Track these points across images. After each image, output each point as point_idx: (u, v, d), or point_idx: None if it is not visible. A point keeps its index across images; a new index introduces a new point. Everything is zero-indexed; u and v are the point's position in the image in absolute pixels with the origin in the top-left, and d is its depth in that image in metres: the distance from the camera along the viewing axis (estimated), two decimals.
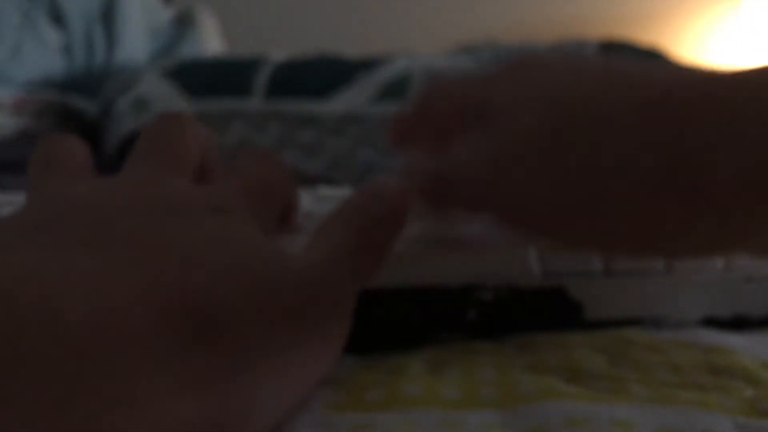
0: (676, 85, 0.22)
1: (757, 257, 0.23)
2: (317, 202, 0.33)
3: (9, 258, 0.15)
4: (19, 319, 0.13)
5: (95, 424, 0.14)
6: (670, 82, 0.22)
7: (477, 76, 0.28)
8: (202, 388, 0.16)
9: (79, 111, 0.81)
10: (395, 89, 0.69)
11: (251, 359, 0.18)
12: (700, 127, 0.20)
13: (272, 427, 0.20)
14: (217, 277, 0.18)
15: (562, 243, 0.26)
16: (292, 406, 0.20)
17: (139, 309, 0.15)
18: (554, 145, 0.23)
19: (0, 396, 0.12)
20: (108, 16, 0.94)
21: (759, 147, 0.19)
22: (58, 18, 0.88)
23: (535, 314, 0.28)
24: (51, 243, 0.17)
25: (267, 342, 0.18)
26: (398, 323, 0.28)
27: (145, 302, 0.16)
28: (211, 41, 1.15)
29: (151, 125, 0.24)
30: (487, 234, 0.29)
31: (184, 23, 1.10)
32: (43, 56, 0.85)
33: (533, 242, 0.28)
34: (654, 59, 0.72)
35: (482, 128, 0.26)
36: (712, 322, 0.29)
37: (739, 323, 0.29)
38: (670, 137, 0.21)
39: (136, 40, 0.98)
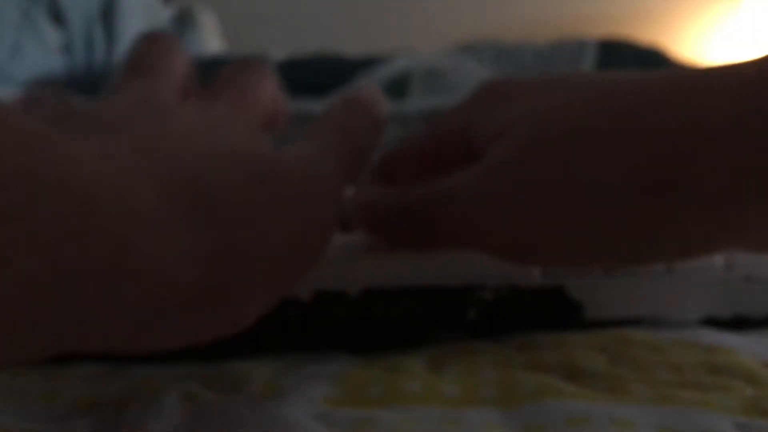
0: (653, 87, 0.21)
1: (757, 251, 0.23)
2: None
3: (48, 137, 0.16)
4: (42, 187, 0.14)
5: (98, 281, 0.15)
6: (647, 84, 0.22)
7: (450, 110, 0.28)
8: (199, 256, 0.17)
9: None
10: (395, 88, 0.69)
11: (244, 233, 0.19)
12: (684, 128, 0.20)
13: (258, 308, 0.20)
14: (213, 161, 0.19)
15: (560, 265, 0.25)
16: (281, 289, 0.21)
17: (142, 182, 0.17)
18: (539, 163, 0.22)
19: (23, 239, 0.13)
20: (108, 15, 0.94)
21: (742, 148, 0.19)
22: (57, 17, 0.88)
23: (535, 314, 0.28)
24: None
25: (258, 219, 0.19)
26: (398, 322, 0.28)
27: (150, 177, 0.17)
28: (210, 40, 1.15)
29: (137, 45, 0.25)
30: None
31: (183, 22, 1.10)
32: (43, 55, 0.85)
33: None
34: (654, 58, 0.72)
35: (461, 163, 0.25)
36: (712, 322, 0.29)
37: (739, 323, 0.29)
38: (651, 144, 0.20)
39: None
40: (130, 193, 0.16)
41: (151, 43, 0.25)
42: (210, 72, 0.26)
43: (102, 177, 0.15)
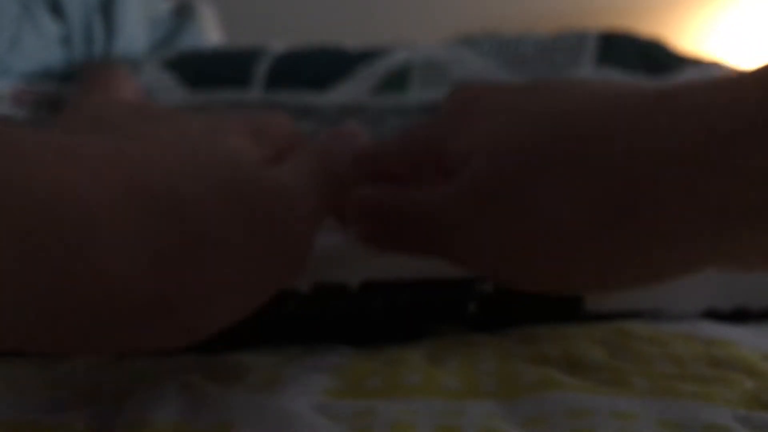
0: (622, 104, 0.21)
1: (727, 270, 0.23)
2: None
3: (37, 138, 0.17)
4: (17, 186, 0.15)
5: (51, 280, 0.15)
6: (612, 107, 0.21)
7: (425, 126, 0.28)
8: (157, 267, 0.17)
9: None
10: (395, 80, 0.69)
11: (206, 248, 0.19)
12: (643, 157, 0.19)
13: (216, 322, 0.20)
14: (184, 173, 0.19)
15: (519, 286, 0.24)
16: (244, 306, 0.21)
17: (105, 188, 0.17)
18: (503, 187, 0.22)
19: None
20: (107, 8, 0.94)
21: (701, 175, 0.18)
22: (57, 9, 0.88)
23: (535, 307, 0.28)
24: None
25: (223, 235, 0.19)
26: (398, 315, 0.28)
27: (115, 184, 0.17)
28: (210, 33, 1.15)
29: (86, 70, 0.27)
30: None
31: (183, 15, 1.10)
32: (42, 47, 0.85)
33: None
34: (655, 50, 0.72)
35: (443, 175, 0.25)
36: (713, 315, 0.29)
37: (739, 316, 0.29)
38: (610, 174, 0.20)
39: (136, 31, 0.98)
40: (90, 199, 0.16)
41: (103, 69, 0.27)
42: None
43: (64, 180, 0.16)
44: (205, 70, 0.74)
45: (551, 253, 0.21)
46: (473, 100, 0.26)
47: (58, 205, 0.15)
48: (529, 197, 0.21)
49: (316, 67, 0.70)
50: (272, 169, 0.23)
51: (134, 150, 0.19)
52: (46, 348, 0.17)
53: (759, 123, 0.17)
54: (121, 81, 0.26)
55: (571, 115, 0.22)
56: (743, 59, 1.78)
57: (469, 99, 0.26)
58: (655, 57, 0.70)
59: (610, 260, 0.21)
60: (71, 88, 0.70)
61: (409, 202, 0.25)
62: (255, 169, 0.22)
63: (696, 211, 0.19)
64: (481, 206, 0.23)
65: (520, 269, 0.23)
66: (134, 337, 0.18)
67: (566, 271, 0.22)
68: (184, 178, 0.19)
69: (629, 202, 0.20)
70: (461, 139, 0.25)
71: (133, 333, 0.18)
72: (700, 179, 0.18)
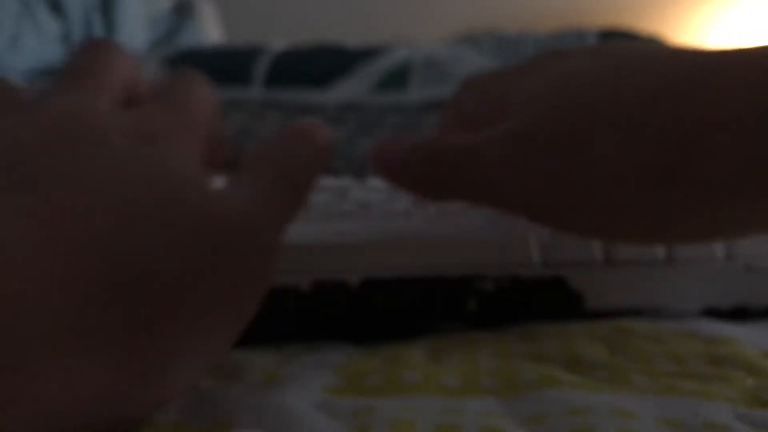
0: (676, 68, 0.22)
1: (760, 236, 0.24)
2: (316, 193, 0.33)
3: None
4: None
5: None
6: (670, 65, 0.22)
7: (500, 71, 0.28)
8: (115, 352, 0.16)
9: None
10: (395, 78, 0.68)
11: (170, 313, 0.17)
12: (700, 112, 0.20)
13: (186, 388, 0.19)
14: (135, 225, 0.17)
15: (564, 231, 0.26)
16: (209, 364, 0.20)
17: (43, 264, 0.15)
18: (556, 138, 0.23)
19: None
20: (107, 5, 0.94)
21: (760, 133, 0.19)
22: (57, 7, 0.88)
23: (535, 304, 0.28)
24: None
25: (187, 292, 0.18)
26: (398, 312, 0.28)
27: (54, 256, 0.15)
28: (210, 30, 1.15)
29: (78, 50, 0.23)
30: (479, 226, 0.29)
31: (183, 12, 1.10)
32: (42, 45, 0.85)
33: (536, 228, 0.28)
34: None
35: (499, 121, 0.25)
36: (713, 313, 0.29)
37: (739, 313, 0.29)
38: (663, 131, 0.21)
39: (135, 29, 0.98)
40: (22, 273, 0.14)
41: (89, 50, 0.23)
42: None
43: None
44: (204, 68, 0.74)
45: (600, 203, 0.22)
46: (547, 56, 0.27)
47: None
48: (583, 148, 0.22)
49: (316, 65, 0.70)
50: (232, 195, 0.21)
51: (83, 197, 0.17)
52: None
53: None
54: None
55: (640, 72, 0.22)
56: None
57: (541, 56, 0.27)
58: None
59: (657, 217, 0.22)
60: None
61: (455, 143, 0.26)
62: (216, 201, 0.20)
63: (742, 175, 0.19)
64: (541, 147, 0.23)
65: (567, 215, 0.23)
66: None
67: (613, 223, 0.23)
68: (141, 226, 0.17)
69: (675, 165, 0.20)
70: (528, 83, 0.25)
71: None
72: (745, 146, 0.19)
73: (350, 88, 0.68)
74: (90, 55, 0.23)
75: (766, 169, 0.19)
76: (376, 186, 0.35)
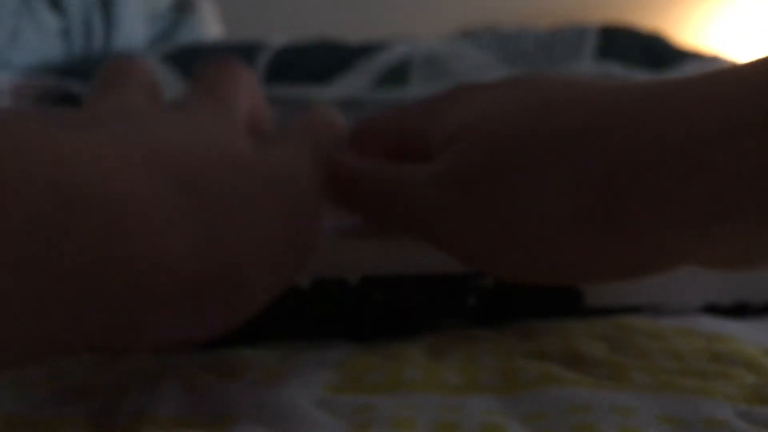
0: (603, 107, 0.21)
1: (714, 269, 0.22)
2: None
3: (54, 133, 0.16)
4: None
5: (94, 268, 0.15)
6: (600, 102, 0.21)
7: (416, 107, 0.28)
8: (196, 242, 0.18)
9: (78, 96, 0.81)
10: (395, 75, 0.68)
11: (235, 220, 0.19)
12: (628, 154, 0.19)
13: (258, 296, 0.20)
14: (201, 155, 0.19)
15: (500, 275, 0.24)
16: (280, 277, 0.21)
17: (134, 171, 0.17)
18: (480, 177, 0.22)
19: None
20: (106, 2, 0.94)
21: (684, 175, 0.18)
22: (56, 3, 0.88)
23: (535, 301, 0.28)
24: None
25: (246, 208, 0.20)
26: (398, 310, 0.28)
27: (142, 166, 0.17)
28: (210, 26, 1.15)
29: (105, 66, 0.25)
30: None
31: (183, 8, 1.10)
32: (42, 41, 0.85)
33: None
34: (655, 44, 0.72)
35: (420, 158, 0.25)
36: (713, 309, 0.29)
37: (740, 310, 0.29)
38: (594, 169, 0.20)
39: (135, 24, 0.98)
40: (122, 182, 0.16)
41: (120, 63, 0.25)
42: (206, 60, 0.26)
43: (96, 166, 0.16)
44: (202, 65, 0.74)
45: (535, 242, 0.21)
46: (465, 88, 0.26)
47: (94, 191, 0.15)
48: (516, 184, 0.21)
49: (316, 60, 0.70)
50: (275, 151, 0.23)
51: (156, 137, 0.19)
52: (98, 342, 0.17)
53: (759, 118, 0.17)
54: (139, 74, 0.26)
55: (567, 106, 0.22)
56: (744, 53, 1.78)
57: (462, 87, 0.26)
58: (656, 51, 0.70)
59: (598, 251, 0.20)
60: (90, 83, 0.70)
61: (393, 175, 0.25)
62: (263, 154, 0.22)
63: (692, 202, 0.18)
64: (464, 189, 0.22)
65: (500, 256, 0.22)
66: (185, 322, 0.18)
67: (550, 261, 0.21)
68: (207, 161, 0.19)
69: (625, 193, 0.19)
70: (449, 119, 0.25)
71: (185, 317, 0.18)
72: (700, 171, 0.18)
73: (350, 84, 0.68)
74: (120, 67, 0.25)
75: (712, 193, 0.18)
76: None
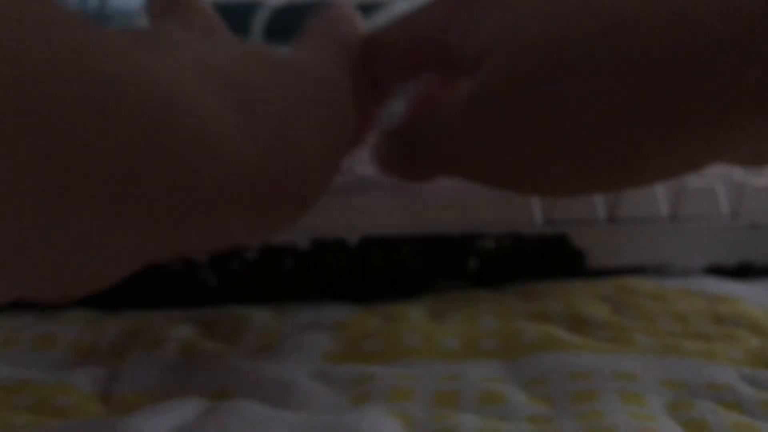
0: (643, 8, 0.20)
1: (743, 166, 0.22)
2: None
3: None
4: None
5: (179, 175, 0.16)
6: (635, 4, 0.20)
7: (433, 13, 0.26)
8: (256, 144, 0.18)
9: None
10: None
11: (284, 123, 0.19)
12: (671, 48, 0.19)
13: (313, 192, 0.21)
14: (248, 70, 0.20)
15: (538, 193, 0.25)
16: (327, 174, 0.22)
17: (204, 88, 0.17)
18: (519, 92, 0.22)
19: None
20: None
21: (730, 67, 0.18)
22: None
23: (536, 262, 0.28)
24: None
25: (291, 111, 0.20)
26: (397, 271, 0.27)
27: (209, 84, 0.18)
28: None
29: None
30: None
31: None
32: None
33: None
34: None
35: (439, 65, 0.25)
36: (717, 270, 0.28)
37: (743, 271, 0.28)
38: (636, 67, 0.19)
39: None
40: (197, 98, 0.17)
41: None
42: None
43: (176, 84, 0.16)
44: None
45: (578, 148, 0.21)
46: None
47: (178, 106, 0.16)
48: (556, 91, 0.21)
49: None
50: (303, 54, 0.24)
51: (213, 57, 0.20)
52: (179, 249, 0.18)
53: None
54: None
55: (603, 1, 0.21)
56: None
57: None
58: None
59: (638, 150, 0.21)
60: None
61: (426, 127, 0.25)
62: (293, 58, 0.23)
63: (743, 93, 0.19)
64: (504, 106, 0.22)
65: (542, 170, 0.22)
66: (257, 220, 0.19)
67: (591, 166, 0.22)
68: (255, 74, 0.20)
69: (667, 86, 0.19)
70: (469, 36, 0.24)
71: (257, 215, 0.19)
72: (754, 62, 0.18)
73: None
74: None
75: (748, 96, 0.18)
76: None
